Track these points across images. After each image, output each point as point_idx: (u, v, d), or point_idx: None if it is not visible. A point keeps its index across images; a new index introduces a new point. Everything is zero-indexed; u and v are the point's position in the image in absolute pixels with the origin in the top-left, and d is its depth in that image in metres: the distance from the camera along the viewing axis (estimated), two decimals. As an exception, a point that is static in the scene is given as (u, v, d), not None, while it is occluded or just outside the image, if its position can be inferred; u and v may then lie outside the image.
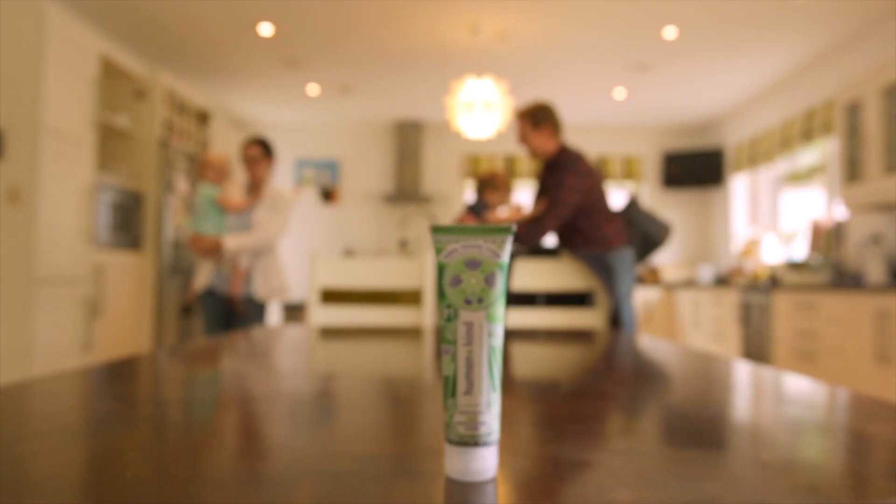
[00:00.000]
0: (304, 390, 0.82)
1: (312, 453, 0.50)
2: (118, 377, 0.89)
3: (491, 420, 0.43)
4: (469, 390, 0.43)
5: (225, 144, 5.66)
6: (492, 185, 3.39)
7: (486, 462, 0.43)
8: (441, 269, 0.44)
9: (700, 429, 0.60)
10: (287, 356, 1.23)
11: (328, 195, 7.29)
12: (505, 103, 4.72)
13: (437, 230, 0.44)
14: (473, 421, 0.43)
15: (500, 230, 0.43)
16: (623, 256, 2.65)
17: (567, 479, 0.44)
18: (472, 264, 0.43)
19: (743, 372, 1.02)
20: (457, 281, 0.43)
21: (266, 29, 4.60)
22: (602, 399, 0.75)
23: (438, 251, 0.44)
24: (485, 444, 0.43)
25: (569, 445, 0.52)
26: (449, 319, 0.43)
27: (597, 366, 1.16)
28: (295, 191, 7.21)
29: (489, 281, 0.43)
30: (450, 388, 0.43)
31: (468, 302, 0.43)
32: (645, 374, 1.03)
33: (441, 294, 0.44)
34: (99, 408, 0.70)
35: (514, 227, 0.43)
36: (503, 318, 0.44)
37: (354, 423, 0.63)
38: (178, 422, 0.63)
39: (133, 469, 0.45)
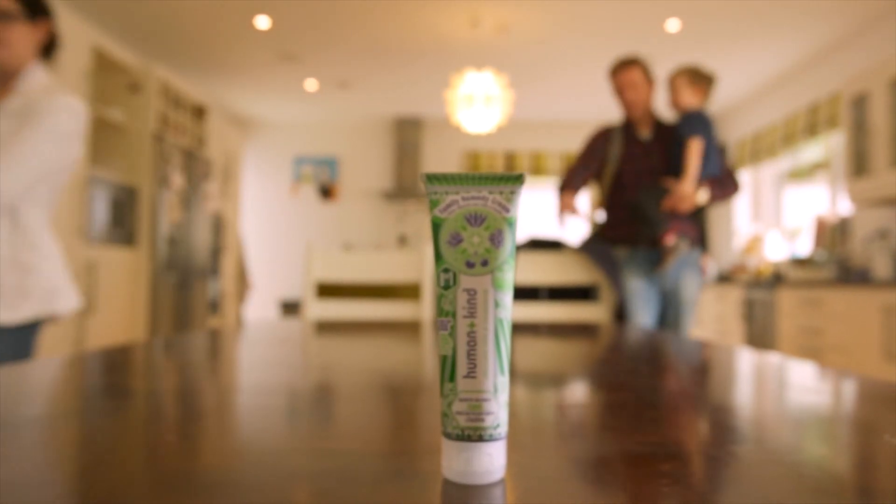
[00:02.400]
0: (284, 383, 0.74)
1: (288, 450, 0.43)
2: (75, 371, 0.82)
3: (498, 409, 0.35)
4: (472, 372, 0.35)
5: (223, 140, 5.58)
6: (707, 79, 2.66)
7: (493, 461, 0.35)
8: (437, 226, 0.36)
9: (735, 425, 0.52)
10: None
11: (326, 192, 7.21)
12: (505, 97, 4.65)
13: (431, 179, 0.36)
14: (477, 410, 0.35)
15: (509, 178, 0.36)
16: (696, 256, 2.53)
17: (591, 483, 0.36)
18: (475, 219, 0.35)
19: (756, 361, 0.94)
20: (456, 239, 0.35)
21: (263, 22, 4.53)
22: (621, 391, 0.68)
23: (434, 204, 0.36)
24: (491, 438, 0.35)
25: (590, 442, 0.45)
26: (447, 286, 0.36)
27: (609, 358, 1.08)
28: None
29: (495, 239, 0.35)
30: (448, 370, 0.36)
31: (470, 265, 0.35)
32: (661, 366, 0.95)
33: (437, 256, 0.36)
34: (89, 395, 0.62)
35: (525, 176, 0.36)
36: (512, 284, 0.36)
37: (337, 417, 0.55)
38: (159, 415, 0.55)
39: (113, 469, 0.38)
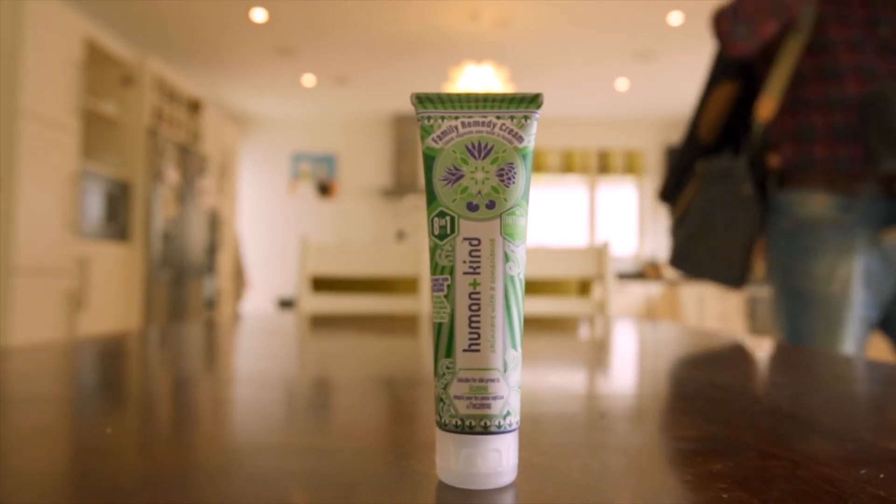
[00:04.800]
0: (269, 375, 0.66)
1: (258, 447, 0.35)
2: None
3: (509, 393, 0.28)
4: (474, 345, 0.27)
5: (219, 136, 5.50)
6: None
7: (501, 459, 0.27)
8: (430, 159, 0.28)
9: (787, 415, 0.44)
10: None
11: (324, 189, 7.14)
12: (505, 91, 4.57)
13: (423, 100, 0.28)
14: (482, 394, 0.27)
15: (522, 99, 0.28)
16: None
17: (626, 487, 0.29)
18: (479, 150, 0.28)
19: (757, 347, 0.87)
20: (455, 175, 0.28)
21: (259, 15, 4.45)
22: (640, 382, 0.60)
23: (426, 132, 0.28)
24: (499, 429, 0.27)
25: (622, 436, 0.37)
26: (442, 235, 0.28)
27: (615, 348, 1.01)
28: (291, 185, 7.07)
29: (504, 175, 0.28)
30: (444, 342, 0.28)
31: (472, 207, 0.27)
32: (674, 357, 0.88)
33: (430, 196, 0.28)
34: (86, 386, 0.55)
35: (542, 97, 0.28)
36: (526, 232, 0.28)
37: (317, 410, 0.48)
38: (137, 412, 0.47)
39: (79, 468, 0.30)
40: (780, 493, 0.27)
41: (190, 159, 4.83)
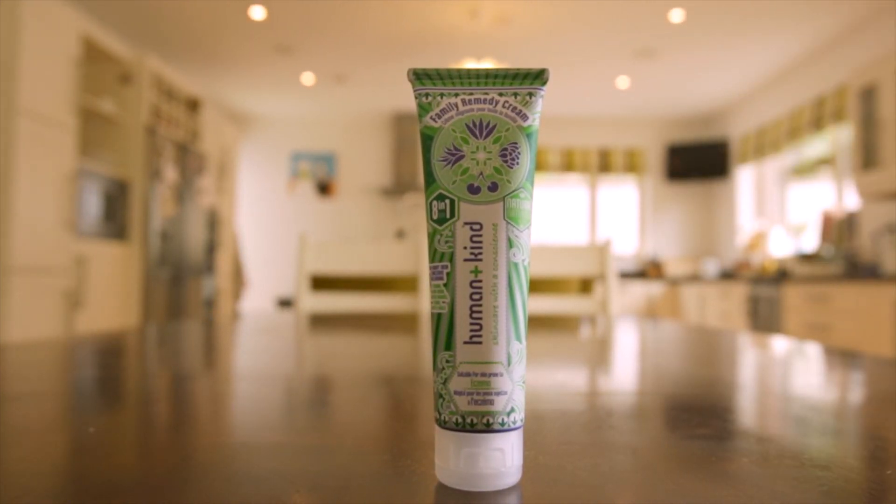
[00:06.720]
0: (262, 372, 0.65)
1: (244, 445, 0.34)
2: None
3: (513, 388, 0.26)
4: (476, 337, 0.25)
5: (218, 134, 5.49)
6: None
7: (505, 459, 0.25)
8: (428, 139, 0.26)
9: (806, 417, 0.43)
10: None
11: (324, 188, 7.12)
12: (505, 89, 4.56)
13: (421, 76, 0.27)
14: (484, 389, 0.25)
15: (526, 74, 0.26)
16: None
17: (638, 489, 0.27)
18: (480, 129, 0.26)
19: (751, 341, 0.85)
20: (455, 156, 0.26)
21: (258, 13, 4.43)
22: (645, 379, 0.58)
23: (424, 110, 0.27)
24: (502, 427, 0.26)
25: (629, 434, 0.35)
26: (442, 219, 0.26)
27: (614, 343, 0.99)
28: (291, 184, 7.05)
29: (508, 156, 0.26)
30: (443, 334, 0.26)
31: (474, 190, 0.26)
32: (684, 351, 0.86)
33: (429, 178, 0.26)
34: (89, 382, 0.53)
35: (548, 73, 0.26)
36: (531, 217, 0.26)
37: (310, 408, 0.46)
38: (123, 411, 0.46)
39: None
40: (804, 495, 0.25)
41: (188, 158, 4.81)
